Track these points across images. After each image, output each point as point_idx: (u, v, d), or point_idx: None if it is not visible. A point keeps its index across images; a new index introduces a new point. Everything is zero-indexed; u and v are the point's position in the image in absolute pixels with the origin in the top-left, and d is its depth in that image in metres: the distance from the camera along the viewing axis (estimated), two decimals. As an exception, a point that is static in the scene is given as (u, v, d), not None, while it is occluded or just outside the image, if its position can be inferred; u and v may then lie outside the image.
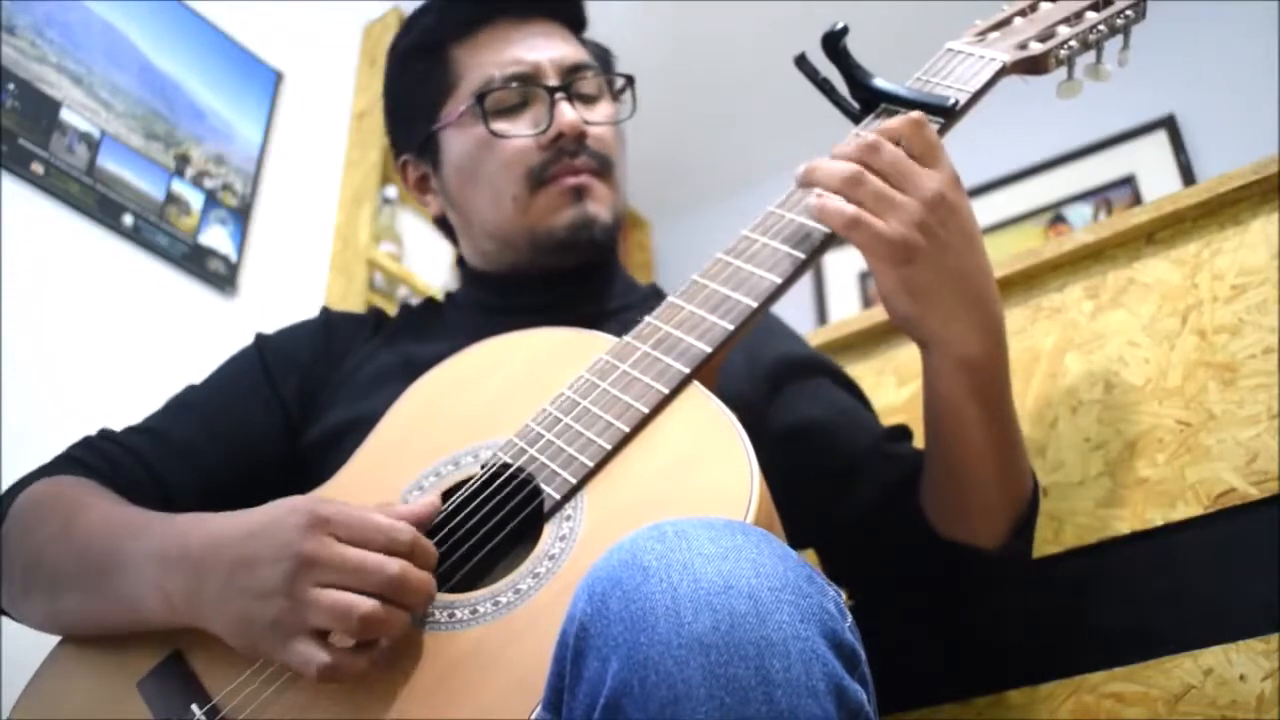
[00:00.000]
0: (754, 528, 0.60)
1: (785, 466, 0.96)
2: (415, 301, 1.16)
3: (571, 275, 1.04)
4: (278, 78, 2.47)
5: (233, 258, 2.20)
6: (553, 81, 1.03)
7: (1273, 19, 2.48)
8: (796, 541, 1.02)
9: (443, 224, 1.13)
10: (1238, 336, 1.02)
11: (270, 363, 1.03)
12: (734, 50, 2.97)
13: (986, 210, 2.93)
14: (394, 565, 0.66)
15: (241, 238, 2.24)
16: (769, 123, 3.15)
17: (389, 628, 0.66)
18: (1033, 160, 2.88)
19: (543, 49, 1.04)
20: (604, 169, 1.03)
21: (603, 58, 1.13)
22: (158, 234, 2.09)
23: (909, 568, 0.92)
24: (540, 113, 1.02)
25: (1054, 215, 2.84)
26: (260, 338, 1.07)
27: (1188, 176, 2.63)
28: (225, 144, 2.30)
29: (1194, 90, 2.64)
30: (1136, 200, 2.71)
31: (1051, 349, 1.13)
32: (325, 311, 1.13)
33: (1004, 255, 1.20)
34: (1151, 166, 2.71)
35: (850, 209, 0.78)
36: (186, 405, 1.01)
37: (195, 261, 2.13)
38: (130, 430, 0.98)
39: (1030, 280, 1.18)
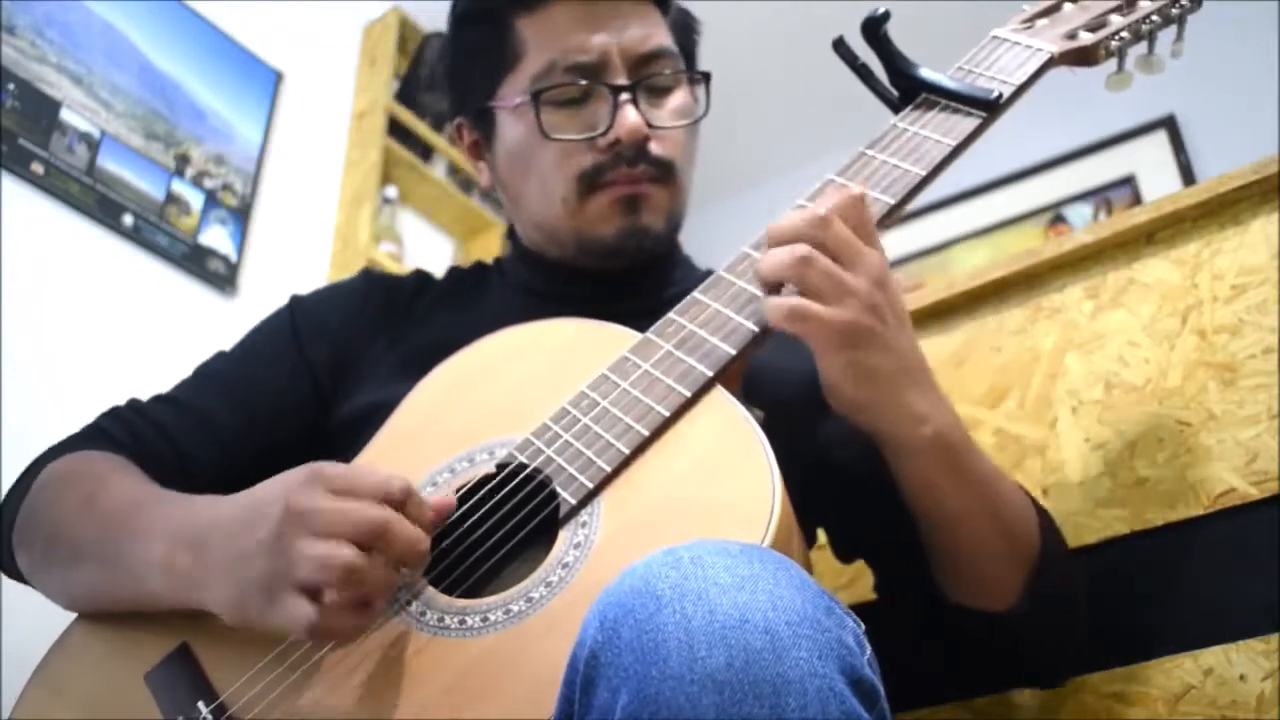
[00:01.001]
0: (772, 553, 0.58)
1: (844, 481, 0.92)
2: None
3: (622, 273, 1.00)
4: (278, 78, 2.47)
5: (233, 258, 2.20)
6: (620, 77, 0.94)
7: (1273, 19, 2.48)
8: (848, 552, 0.99)
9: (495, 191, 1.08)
10: (1238, 336, 1.01)
11: (301, 328, 1.01)
12: (739, 51, 2.96)
13: (986, 210, 2.93)
14: (376, 510, 0.65)
15: (241, 238, 2.24)
16: (775, 122, 3.15)
17: (375, 580, 0.65)
18: (1033, 160, 2.88)
19: (614, 32, 0.95)
20: (665, 175, 0.95)
21: (684, 26, 1.03)
22: (158, 234, 2.09)
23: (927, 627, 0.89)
24: (602, 110, 0.94)
25: (1054, 215, 2.84)
26: (295, 300, 1.05)
27: (1188, 176, 2.63)
28: (225, 144, 2.30)
29: (1194, 90, 2.64)
30: (1136, 200, 2.71)
31: (1051, 349, 1.13)
32: (366, 274, 1.09)
33: (1004, 255, 1.20)
34: (1151, 166, 2.72)
35: (789, 303, 0.73)
36: (215, 375, 1.00)
37: (195, 261, 2.13)
38: (156, 400, 0.98)
39: (1030, 280, 1.18)
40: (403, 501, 0.67)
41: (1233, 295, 1.04)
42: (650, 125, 0.94)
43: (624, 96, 0.94)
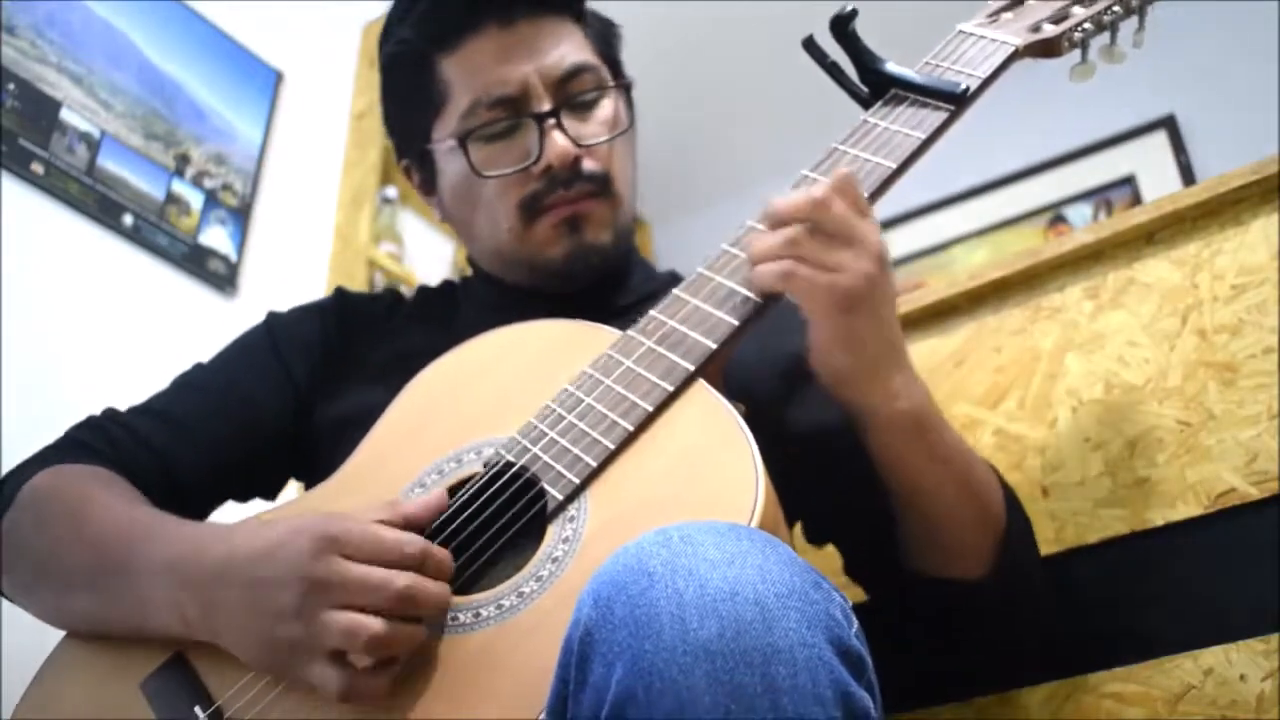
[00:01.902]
0: (760, 532, 0.59)
1: (808, 467, 0.94)
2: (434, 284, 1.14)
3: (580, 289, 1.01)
4: (278, 78, 2.47)
5: (233, 258, 2.20)
6: (544, 103, 0.96)
7: (1273, 19, 2.48)
8: (818, 536, 1.02)
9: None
10: (1238, 336, 1.01)
11: (280, 340, 1.03)
12: (733, 50, 2.97)
13: (986, 210, 2.93)
14: (402, 580, 0.66)
15: (241, 238, 2.24)
16: (768, 122, 3.14)
17: (400, 644, 0.66)
18: (1033, 160, 2.88)
19: (530, 59, 0.97)
20: (603, 189, 0.98)
21: (604, 36, 1.05)
22: (158, 234, 2.09)
23: (901, 597, 0.91)
24: (531, 138, 0.96)
25: (1054, 215, 2.84)
26: (271, 315, 1.07)
27: (1188, 176, 2.63)
28: (225, 144, 2.30)
29: (1194, 90, 2.64)
30: (1136, 200, 2.71)
31: (1051, 349, 1.13)
32: (340, 292, 1.11)
33: (1004, 255, 1.20)
34: (1151, 166, 2.71)
35: (783, 264, 0.77)
36: (192, 384, 1.02)
37: (195, 261, 2.13)
38: (134, 410, 0.99)
39: (1030, 280, 1.18)
40: (423, 562, 0.68)
41: (1233, 295, 1.04)
42: (580, 144, 0.96)
43: (549, 122, 0.96)
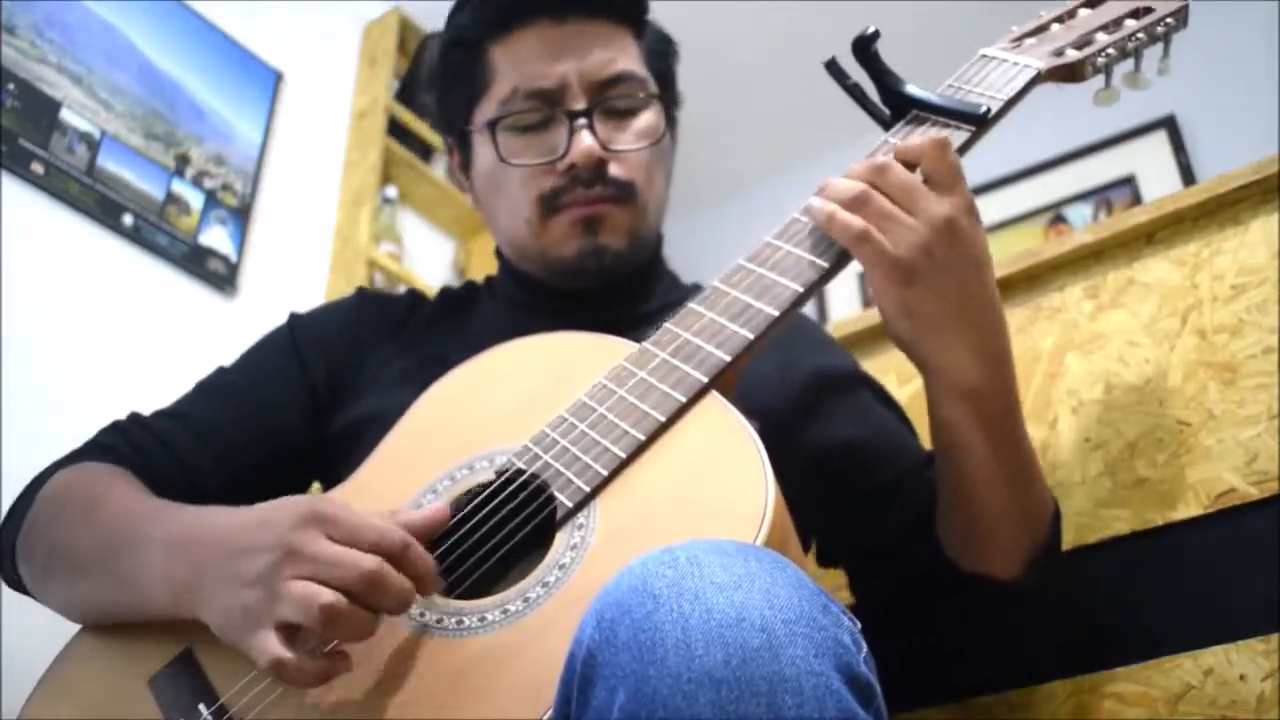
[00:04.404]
0: (769, 553, 0.59)
1: (823, 485, 0.96)
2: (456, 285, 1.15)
3: (601, 288, 1.03)
4: (278, 78, 2.47)
5: (233, 258, 2.20)
6: (579, 102, 0.98)
7: (1273, 19, 2.48)
8: (828, 558, 1.02)
9: None
10: (1238, 336, 1.02)
11: (301, 344, 1.03)
12: (733, 54, 2.97)
13: (986, 210, 2.92)
14: (369, 561, 0.65)
15: (241, 238, 2.24)
16: (767, 127, 3.14)
17: (351, 626, 0.65)
18: (1033, 160, 2.88)
19: (574, 58, 0.98)
20: (625, 196, 0.98)
21: (660, 51, 1.06)
22: (158, 234, 2.09)
23: (929, 593, 0.92)
24: (561, 135, 0.98)
25: (1054, 215, 2.84)
26: (294, 317, 1.07)
27: (1188, 176, 2.63)
28: (225, 144, 2.30)
29: (1194, 90, 2.64)
30: (1136, 200, 2.71)
31: (1051, 349, 1.13)
32: (361, 292, 1.12)
33: (1004, 255, 1.20)
34: (1151, 166, 2.71)
35: (858, 223, 0.77)
36: (215, 389, 1.02)
37: (195, 261, 2.13)
38: (159, 414, 0.99)
39: (1030, 280, 1.18)
40: (400, 554, 0.67)
41: (1233, 295, 1.04)
42: (609, 148, 0.97)
43: (580, 122, 0.97)
